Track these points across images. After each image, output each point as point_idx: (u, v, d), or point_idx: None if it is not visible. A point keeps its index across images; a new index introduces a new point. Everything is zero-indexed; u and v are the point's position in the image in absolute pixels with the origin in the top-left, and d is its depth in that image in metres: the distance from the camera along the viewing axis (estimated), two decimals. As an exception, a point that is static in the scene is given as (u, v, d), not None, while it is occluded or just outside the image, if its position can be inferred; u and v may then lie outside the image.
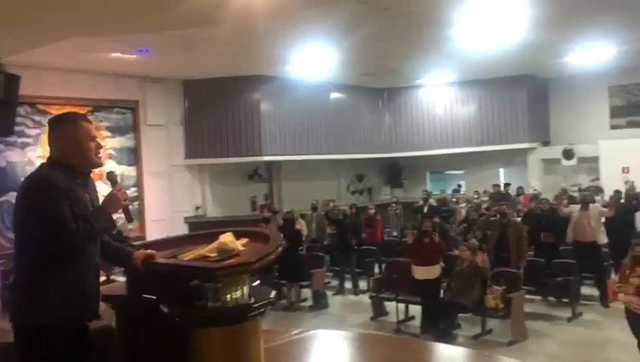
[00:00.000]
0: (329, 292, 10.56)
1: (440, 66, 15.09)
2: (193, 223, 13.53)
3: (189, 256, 2.97)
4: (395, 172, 19.63)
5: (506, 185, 15.89)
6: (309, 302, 10.09)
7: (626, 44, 13.18)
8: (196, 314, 2.59)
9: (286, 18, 9.19)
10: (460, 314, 8.02)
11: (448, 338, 7.54)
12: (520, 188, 15.27)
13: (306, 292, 10.23)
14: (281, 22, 9.43)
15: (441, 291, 8.00)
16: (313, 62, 12.60)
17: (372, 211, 12.44)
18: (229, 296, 2.64)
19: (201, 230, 3.66)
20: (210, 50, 11.18)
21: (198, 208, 14.40)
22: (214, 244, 2.92)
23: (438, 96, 18.22)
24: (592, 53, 13.92)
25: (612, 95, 17.65)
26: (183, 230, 12.66)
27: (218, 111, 14.36)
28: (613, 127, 17.56)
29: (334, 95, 16.86)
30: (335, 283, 11.29)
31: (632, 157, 15.90)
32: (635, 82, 17.13)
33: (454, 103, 18.16)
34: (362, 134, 17.54)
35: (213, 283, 2.57)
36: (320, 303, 9.91)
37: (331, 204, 13.05)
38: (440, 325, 7.78)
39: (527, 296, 8.42)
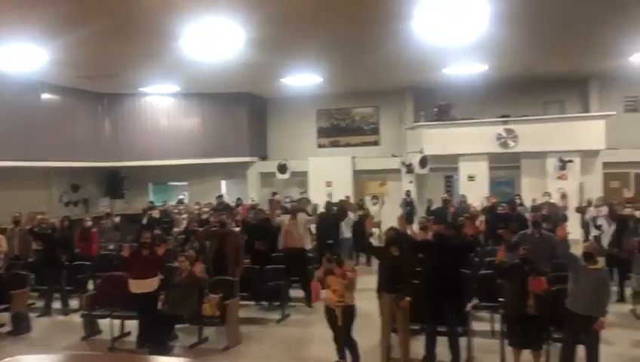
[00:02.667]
0: (33, 315, 9.47)
1: (165, 76, 14.99)
2: None
3: None
4: (115, 182, 18.71)
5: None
6: (8, 327, 8.90)
7: (329, 74, 15.03)
8: None
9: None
10: (178, 325, 8.01)
11: (165, 350, 7.46)
12: (239, 199, 16.02)
13: (4, 317, 9.00)
14: (-21, 7, 8.23)
15: (159, 303, 7.87)
16: (20, 58, 11.26)
17: (88, 223, 11.62)
18: None
19: None
20: None
21: None
22: None
23: (163, 106, 18.06)
24: (303, 79, 15.50)
25: (319, 117, 19.89)
26: None
27: None
28: (319, 146, 19.81)
29: (47, 96, 15.34)
30: (41, 303, 10.18)
31: (333, 173, 18.14)
32: (337, 107, 19.62)
33: (179, 114, 18.21)
34: (79, 140, 16.30)
35: None
36: (21, 327, 8.81)
37: (39, 216, 11.74)
38: (157, 338, 7.65)
39: (243, 302, 8.86)
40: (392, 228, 7.08)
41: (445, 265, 6.59)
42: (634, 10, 9.74)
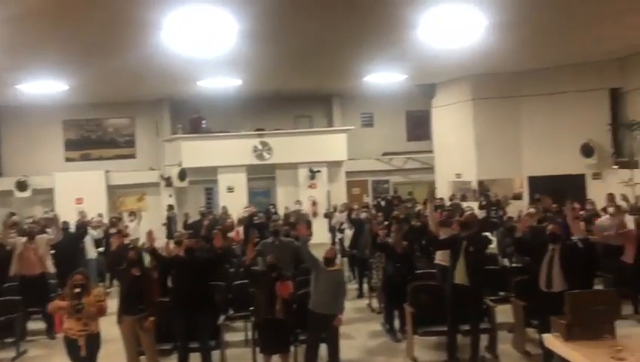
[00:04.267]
0: None
1: None
2: None
3: None
4: None
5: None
6: None
7: (76, 81, 13.87)
8: None
9: None
10: None
11: None
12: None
13: None
14: None
15: None
16: None
17: None
18: None
19: None
20: None
21: None
22: None
23: None
24: (44, 86, 14.04)
25: (67, 129, 18.27)
26: None
27: None
28: (68, 160, 18.18)
29: None
30: None
31: (85, 189, 16.79)
32: (88, 118, 18.27)
33: None
34: None
35: None
36: None
37: None
38: None
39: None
40: (132, 248, 6.77)
41: (196, 279, 6.52)
42: (366, 38, 10.97)
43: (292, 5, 8.81)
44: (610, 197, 11.05)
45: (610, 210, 10.12)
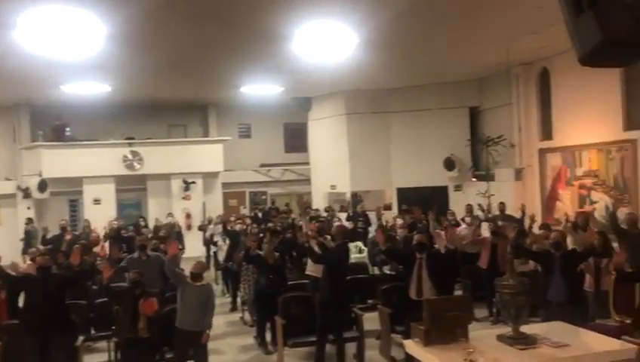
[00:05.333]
0: None
1: None
2: None
3: None
4: None
5: None
6: None
7: None
8: None
9: None
10: None
11: None
12: None
13: None
14: None
15: None
16: None
17: None
18: None
19: None
20: None
21: None
22: None
23: None
24: None
25: None
26: None
27: None
28: None
29: None
30: None
31: None
32: None
33: None
34: None
35: None
36: None
37: None
38: None
39: None
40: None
41: (50, 298, 6.03)
42: (240, 48, 10.87)
43: (162, 11, 8.50)
44: (469, 208, 11.88)
45: (467, 219, 10.91)
